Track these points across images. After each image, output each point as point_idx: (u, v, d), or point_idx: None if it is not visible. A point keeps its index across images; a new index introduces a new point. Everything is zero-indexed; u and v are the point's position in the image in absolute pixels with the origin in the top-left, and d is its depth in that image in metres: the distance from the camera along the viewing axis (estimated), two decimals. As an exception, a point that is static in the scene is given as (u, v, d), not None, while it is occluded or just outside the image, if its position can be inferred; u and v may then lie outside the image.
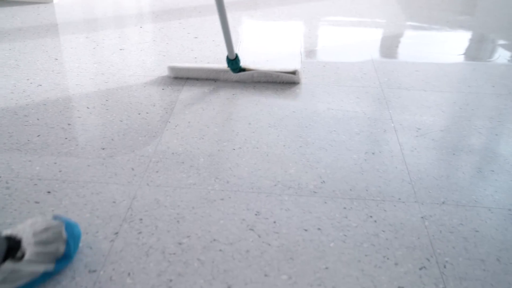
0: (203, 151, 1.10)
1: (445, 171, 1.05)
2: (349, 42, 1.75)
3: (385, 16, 2.04)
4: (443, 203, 0.96)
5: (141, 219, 0.89)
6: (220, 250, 0.83)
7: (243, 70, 1.42)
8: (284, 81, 1.42)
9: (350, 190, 0.99)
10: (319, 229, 0.88)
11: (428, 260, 0.82)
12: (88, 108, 1.26)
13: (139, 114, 1.24)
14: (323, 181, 1.01)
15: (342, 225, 0.90)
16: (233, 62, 1.37)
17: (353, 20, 1.98)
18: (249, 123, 1.21)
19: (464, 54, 1.67)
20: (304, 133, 1.18)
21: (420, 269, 0.81)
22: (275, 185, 0.99)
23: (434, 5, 2.19)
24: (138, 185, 0.98)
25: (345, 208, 0.94)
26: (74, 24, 1.84)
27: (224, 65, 1.43)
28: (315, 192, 0.98)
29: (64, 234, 0.76)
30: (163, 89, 1.37)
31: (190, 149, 1.10)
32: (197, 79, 1.43)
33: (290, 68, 1.43)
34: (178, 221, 0.89)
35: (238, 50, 1.64)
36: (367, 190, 0.99)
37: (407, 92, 1.39)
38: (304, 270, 0.80)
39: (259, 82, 1.42)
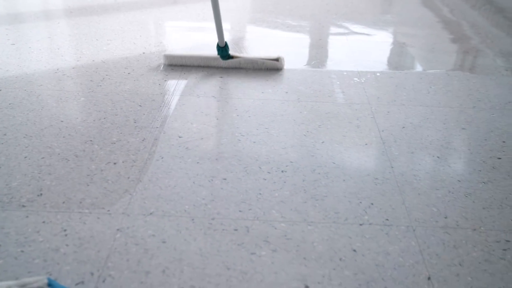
0: None
1: (177, 180, 1.04)
2: (181, 48, 1.74)
3: (230, 22, 2.04)
4: (150, 214, 0.95)
5: None
6: None
7: (231, 57, 1.55)
8: (269, 68, 1.56)
9: (63, 203, 0.96)
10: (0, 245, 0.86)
11: (92, 274, 0.81)
12: None
13: None
14: (41, 194, 0.98)
15: (28, 240, 0.87)
16: (223, 50, 1.51)
17: (194, 26, 1.97)
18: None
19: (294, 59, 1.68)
20: (56, 143, 1.15)
21: (77, 284, 0.79)
22: (-14, 200, 0.96)
23: (287, 10, 2.20)
24: None
25: (44, 222, 0.91)
26: None
27: (215, 52, 1.56)
28: (23, 206, 0.95)
29: None
30: None
31: None
32: (190, 66, 1.56)
33: (274, 55, 1.57)
34: None
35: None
36: (80, 203, 0.97)
37: (197, 99, 1.38)
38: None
39: (246, 68, 1.56)
